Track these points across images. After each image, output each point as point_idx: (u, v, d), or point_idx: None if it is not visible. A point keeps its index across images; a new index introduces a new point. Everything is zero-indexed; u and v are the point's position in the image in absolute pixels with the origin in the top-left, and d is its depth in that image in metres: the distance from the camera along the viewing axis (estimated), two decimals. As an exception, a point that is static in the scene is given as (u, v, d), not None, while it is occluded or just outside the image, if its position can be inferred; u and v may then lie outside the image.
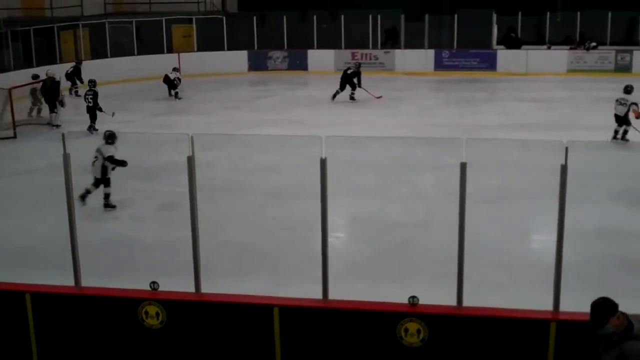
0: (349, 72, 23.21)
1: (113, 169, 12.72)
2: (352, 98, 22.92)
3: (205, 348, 6.85)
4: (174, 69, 25.48)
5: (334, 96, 22.94)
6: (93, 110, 19.39)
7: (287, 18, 30.71)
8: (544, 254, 9.44)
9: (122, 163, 12.63)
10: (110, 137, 12.68)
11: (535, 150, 14.34)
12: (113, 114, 19.25)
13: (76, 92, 25.19)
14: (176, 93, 24.78)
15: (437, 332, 6.41)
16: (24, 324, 7.08)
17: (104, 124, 18.09)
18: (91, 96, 19.35)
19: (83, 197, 12.28)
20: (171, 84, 24.87)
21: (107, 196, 12.75)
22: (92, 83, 19.83)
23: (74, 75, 25.46)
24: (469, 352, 6.43)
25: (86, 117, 19.47)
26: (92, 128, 19.15)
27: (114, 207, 12.75)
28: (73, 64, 26.05)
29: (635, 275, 9.42)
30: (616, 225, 11.35)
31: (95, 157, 12.57)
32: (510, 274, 9.50)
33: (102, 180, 12.64)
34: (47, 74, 20.74)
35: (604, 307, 5.09)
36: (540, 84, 26.85)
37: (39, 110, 21.23)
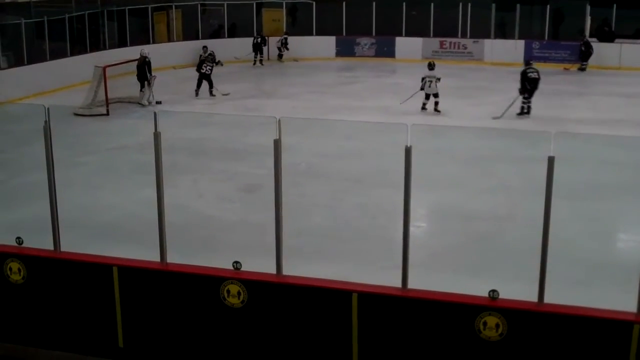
0: None
1: None
2: None
3: (283, 329, 6.96)
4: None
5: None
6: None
7: (376, 5, 30.64)
8: (630, 254, 9.27)
9: None
10: None
11: (626, 147, 13.98)
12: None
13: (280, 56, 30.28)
14: (261, 60, 29.23)
15: (517, 328, 6.35)
16: (110, 296, 7.32)
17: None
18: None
19: None
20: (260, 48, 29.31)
21: None
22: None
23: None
24: (548, 350, 6.34)
25: (175, 97, 20.26)
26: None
27: None
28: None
29: None
30: None
31: None
32: (594, 273, 9.31)
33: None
34: (140, 53, 21.31)
35: None
36: (634, 79, 25.98)
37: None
